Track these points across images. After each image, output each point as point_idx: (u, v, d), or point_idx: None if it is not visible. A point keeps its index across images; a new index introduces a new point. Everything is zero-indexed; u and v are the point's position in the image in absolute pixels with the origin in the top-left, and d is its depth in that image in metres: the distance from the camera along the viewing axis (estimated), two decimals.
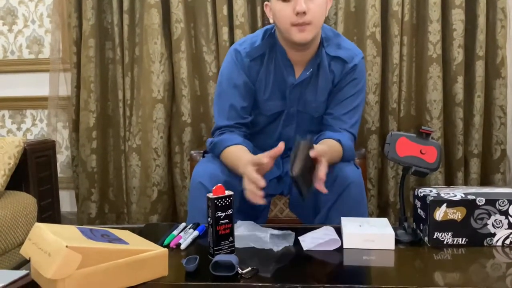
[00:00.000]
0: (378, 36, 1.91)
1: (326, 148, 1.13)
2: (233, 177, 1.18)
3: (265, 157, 1.00)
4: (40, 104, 2.26)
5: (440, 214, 0.90)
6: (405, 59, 1.93)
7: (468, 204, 0.90)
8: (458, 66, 1.90)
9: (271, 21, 1.26)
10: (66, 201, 2.27)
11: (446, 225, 0.91)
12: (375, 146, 1.97)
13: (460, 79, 1.90)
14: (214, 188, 0.84)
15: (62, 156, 2.28)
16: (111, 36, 2.09)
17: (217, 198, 0.84)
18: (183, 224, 1.03)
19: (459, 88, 1.91)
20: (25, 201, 1.55)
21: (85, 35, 2.04)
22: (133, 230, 0.99)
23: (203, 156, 1.42)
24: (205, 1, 1.98)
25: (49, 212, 1.71)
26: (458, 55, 1.90)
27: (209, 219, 0.85)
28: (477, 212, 0.90)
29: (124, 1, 2.01)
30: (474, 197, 0.91)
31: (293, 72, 1.27)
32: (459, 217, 0.90)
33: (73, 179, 2.20)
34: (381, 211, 2.02)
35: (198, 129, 2.07)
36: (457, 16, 1.88)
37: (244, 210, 1.19)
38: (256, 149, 1.27)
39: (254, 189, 0.97)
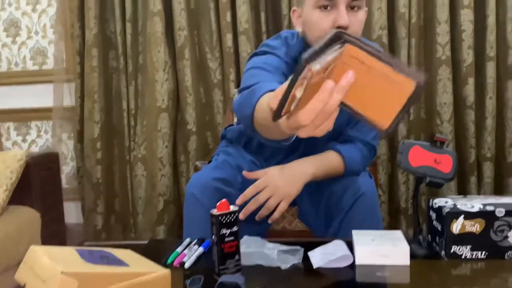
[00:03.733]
0: (385, 39, 1.87)
1: (316, 159, 1.09)
2: (229, 185, 1.12)
3: None
4: (45, 115, 2.24)
5: (457, 226, 0.86)
6: (413, 62, 1.88)
7: (487, 216, 0.86)
8: (468, 68, 1.85)
9: (298, 30, 1.11)
10: (73, 213, 2.25)
11: (464, 238, 0.86)
12: (385, 151, 1.93)
13: (471, 80, 1.85)
14: (218, 204, 0.81)
15: (68, 167, 2.27)
16: (114, 45, 2.07)
17: (221, 215, 0.80)
18: (188, 240, 1.00)
19: (470, 90, 1.86)
20: (29, 216, 1.53)
21: (88, 45, 2.02)
22: (136, 247, 0.96)
23: None
24: (208, 8, 1.95)
25: (53, 226, 1.68)
26: (468, 56, 1.85)
27: (213, 237, 0.81)
28: (496, 224, 0.86)
29: (126, 9, 1.99)
30: (493, 208, 0.86)
31: None
32: (478, 229, 0.86)
33: (79, 190, 2.19)
34: (392, 218, 1.97)
35: (203, 138, 2.04)
36: (466, 17, 1.84)
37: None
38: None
39: None
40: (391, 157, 1.95)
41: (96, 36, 2.02)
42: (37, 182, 1.58)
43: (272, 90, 0.84)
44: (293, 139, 0.79)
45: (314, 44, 1.08)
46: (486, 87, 1.87)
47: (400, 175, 1.92)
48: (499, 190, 1.93)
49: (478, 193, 1.91)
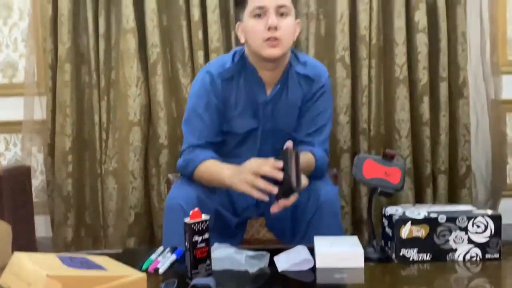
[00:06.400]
0: (347, 59, 1.97)
1: (303, 162, 1.19)
2: (208, 196, 1.21)
3: (267, 165, 1.05)
4: (14, 128, 2.23)
5: (405, 231, 0.96)
6: (373, 81, 2.00)
7: (431, 222, 0.96)
8: (423, 87, 1.98)
9: (241, 40, 1.32)
10: (41, 226, 2.22)
11: (412, 242, 0.97)
12: (347, 164, 2.03)
13: (426, 99, 1.98)
14: (190, 213, 0.88)
15: (37, 181, 2.24)
16: (87, 60, 2.09)
17: (194, 223, 0.87)
18: (161, 248, 1.06)
19: (425, 107, 1.98)
20: (0, 228, 1.53)
21: (61, 60, 2.04)
22: (111, 255, 1.01)
23: None
24: (180, 26, 2.02)
25: (24, 239, 1.69)
26: (423, 76, 1.98)
27: (186, 243, 0.88)
28: (439, 229, 0.96)
29: (100, 25, 2.03)
30: (436, 215, 0.97)
31: (263, 90, 1.33)
32: (423, 234, 0.96)
33: (48, 203, 2.18)
34: (355, 228, 2.07)
35: (175, 151, 2.08)
36: (421, 40, 1.97)
37: (219, 229, 1.22)
38: None
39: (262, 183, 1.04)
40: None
41: (69, 51, 2.04)
42: (9, 194, 1.59)
43: (209, 158, 1.25)
44: None
45: (253, 49, 1.28)
46: (440, 105, 2.00)
47: (362, 187, 2.03)
48: (452, 200, 2.05)
49: (434, 204, 2.04)
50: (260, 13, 1.23)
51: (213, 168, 1.22)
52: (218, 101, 1.32)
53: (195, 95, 1.35)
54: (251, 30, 1.25)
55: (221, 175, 1.17)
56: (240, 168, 1.13)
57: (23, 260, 0.71)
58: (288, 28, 1.25)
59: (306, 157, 1.25)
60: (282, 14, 1.23)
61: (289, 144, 1.07)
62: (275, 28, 1.21)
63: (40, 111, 2.16)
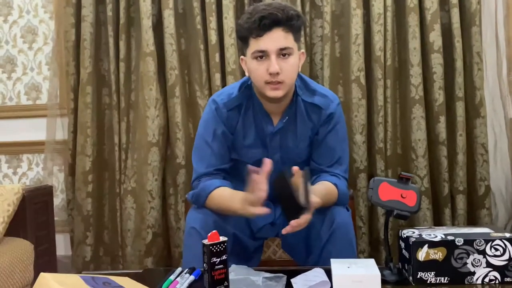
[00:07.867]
0: (362, 80, 1.99)
1: (323, 190, 1.19)
2: (224, 220, 1.23)
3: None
4: (36, 148, 2.30)
5: (422, 254, 0.96)
6: (389, 101, 2.01)
7: (448, 245, 0.96)
8: (439, 107, 1.98)
9: (246, 74, 1.31)
10: (61, 245, 2.26)
11: (429, 264, 0.96)
12: (364, 184, 2.03)
13: (442, 119, 1.98)
14: (209, 234, 0.89)
15: (58, 200, 2.29)
16: (107, 82, 2.16)
17: (212, 245, 0.89)
18: (179, 269, 1.07)
19: (441, 127, 1.98)
20: (23, 247, 1.57)
21: (83, 83, 2.11)
22: (131, 275, 1.03)
23: None
24: (198, 50, 2.08)
25: (45, 258, 1.73)
26: (439, 96, 1.98)
27: (204, 265, 0.89)
28: (456, 252, 0.96)
29: (120, 50, 2.10)
30: (453, 238, 0.97)
31: (270, 121, 1.33)
32: (440, 257, 0.96)
33: (68, 222, 2.22)
34: (373, 249, 2.06)
35: (192, 171, 2.09)
36: (436, 60, 1.98)
37: (237, 252, 1.24)
38: None
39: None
40: None
41: (91, 75, 2.11)
42: (32, 214, 1.64)
43: (217, 186, 1.26)
44: None
45: (257, 88, 1.29)
46: (456, 125, 1.99)
47: (379, 207, 2.02)
48: (471, 221, 2.03)
49: (453, 224, 2.01)
50: (262, 55, 1.20)
51: (222, 200, 1.23)
52: (226, 128, 1.33)
53: (203, 124, 1.37)
54: (253, 71, 1.24)
55: (232, 208, 1.17)
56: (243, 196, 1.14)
57: (49, 280, 0.73)
58: (291, 68, 1.22)
59: (330, 191, 1.24)
60: (284, 55, 1.21)
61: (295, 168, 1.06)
62: (277, 73, 1.19)
63: (62, 132, 2.24)
